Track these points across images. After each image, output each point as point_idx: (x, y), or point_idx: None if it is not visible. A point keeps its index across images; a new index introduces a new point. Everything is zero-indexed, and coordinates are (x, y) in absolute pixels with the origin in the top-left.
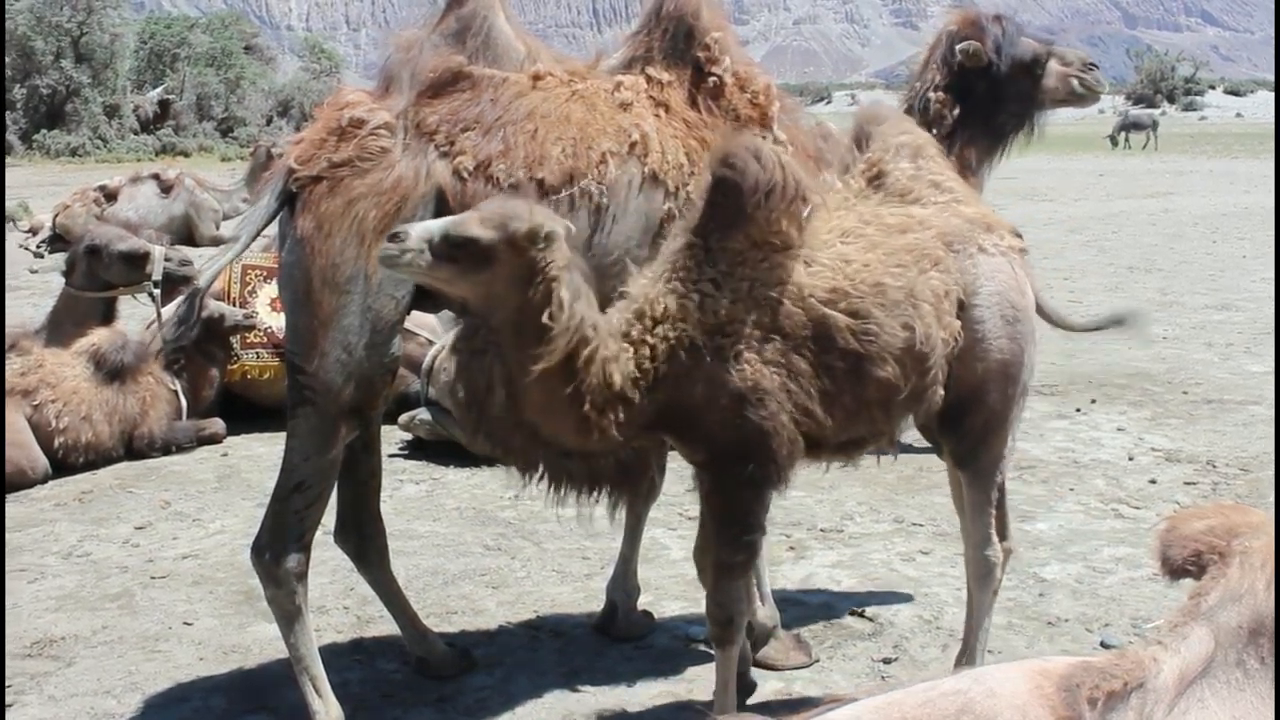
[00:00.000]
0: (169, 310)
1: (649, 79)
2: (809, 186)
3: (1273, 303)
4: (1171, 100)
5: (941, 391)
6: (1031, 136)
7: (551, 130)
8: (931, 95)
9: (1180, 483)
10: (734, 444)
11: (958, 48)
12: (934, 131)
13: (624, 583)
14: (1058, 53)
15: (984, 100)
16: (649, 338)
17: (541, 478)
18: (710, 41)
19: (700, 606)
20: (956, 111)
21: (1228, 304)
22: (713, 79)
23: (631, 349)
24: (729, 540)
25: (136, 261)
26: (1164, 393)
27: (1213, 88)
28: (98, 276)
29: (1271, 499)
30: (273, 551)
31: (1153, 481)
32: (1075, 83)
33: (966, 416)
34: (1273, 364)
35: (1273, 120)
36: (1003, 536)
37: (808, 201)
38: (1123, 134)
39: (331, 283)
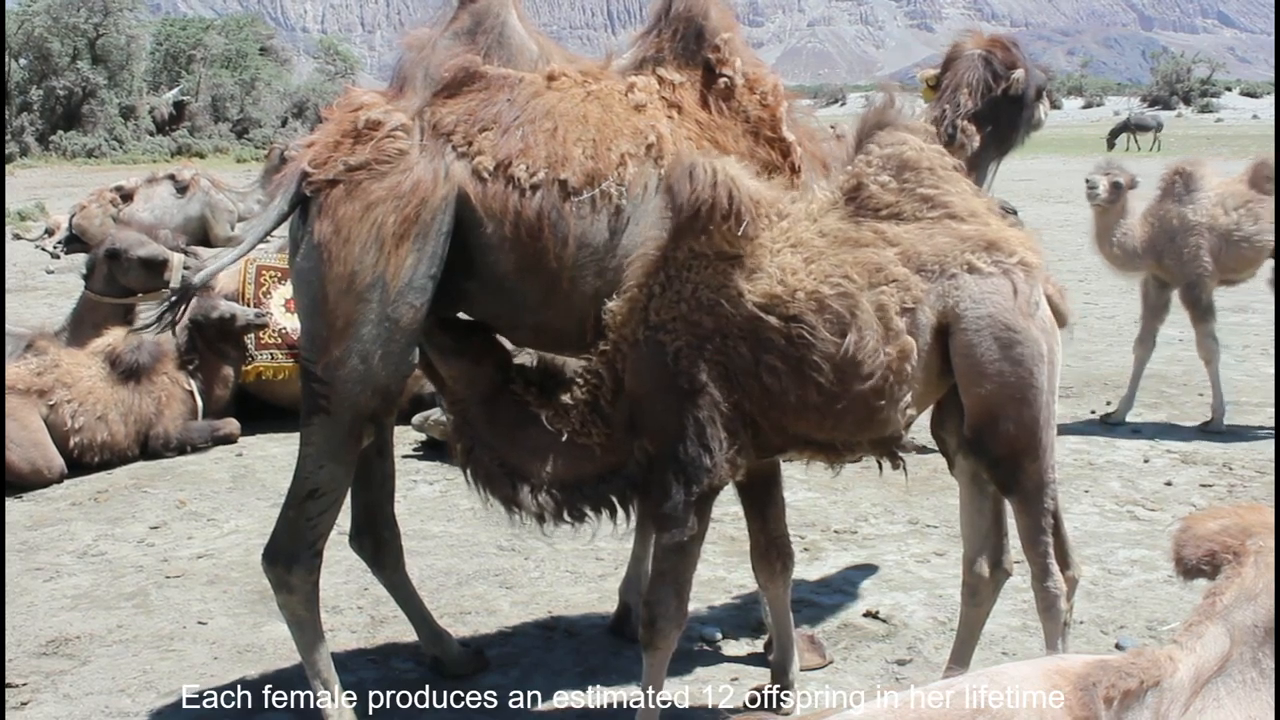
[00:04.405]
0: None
1: (661, 80)
2: (749, 202)
3: None
4: (1188, 102)
5: (910, 409)
6: None
7: (570, 131)
8: (959, 124)
9: (1196, 485)
10: (674, 434)
11: (1013, 76)
12: None
13: (637, 584)
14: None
15: (1006, 127)
16: (600, 345)
17: (585, 515)
18: (720, 42)
19: (714, 607)
20: (977, 140)
21: (1244, 306)
22: (723, 80)
23: (585, 363)
24: (660, 539)
25: (155, 268)
26: (1180, 395)
27: (1229, 89)
28: (117, 281)
29: None
30: (285, 558)
31: (1168, 483)
32: (1041, 113)
33: (986, 442)
34: None
35: None
36: (1065, 565)
37: (744, 217)
38: (1125, 135)
39: (350, 290)
